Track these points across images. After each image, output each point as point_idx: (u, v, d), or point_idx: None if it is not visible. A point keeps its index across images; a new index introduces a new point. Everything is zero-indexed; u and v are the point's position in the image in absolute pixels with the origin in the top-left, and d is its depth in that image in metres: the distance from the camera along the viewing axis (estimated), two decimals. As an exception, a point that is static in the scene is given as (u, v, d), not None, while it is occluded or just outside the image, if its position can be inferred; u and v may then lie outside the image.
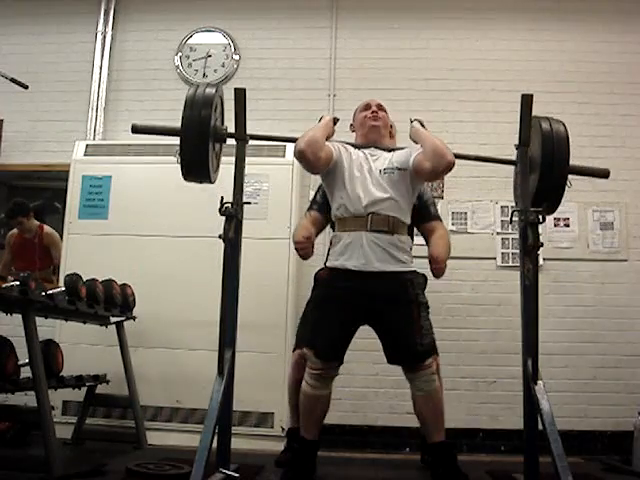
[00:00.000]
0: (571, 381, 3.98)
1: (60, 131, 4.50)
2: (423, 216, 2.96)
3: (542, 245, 2.45)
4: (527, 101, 2.59)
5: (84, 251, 3.95)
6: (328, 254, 2.83)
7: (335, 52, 4.52)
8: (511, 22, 4.53)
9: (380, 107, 2.89)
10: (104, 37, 4.61)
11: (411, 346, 2.53)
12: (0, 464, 2.85)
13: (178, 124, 2.60)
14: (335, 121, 2.82)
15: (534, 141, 2.66)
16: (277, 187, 3.98)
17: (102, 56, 4.58)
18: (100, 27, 4.61)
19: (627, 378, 3.99)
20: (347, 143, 2.80)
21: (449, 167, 2.54)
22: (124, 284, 3.64)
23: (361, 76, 4.48)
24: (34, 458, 2.90)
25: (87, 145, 4.25)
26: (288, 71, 4.52)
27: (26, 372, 2.75)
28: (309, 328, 2.72)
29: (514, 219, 2.72)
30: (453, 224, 4.24)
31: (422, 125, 2.81)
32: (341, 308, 2.57)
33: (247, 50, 4.59)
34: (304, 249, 2.76)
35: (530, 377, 2.46)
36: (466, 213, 4.25)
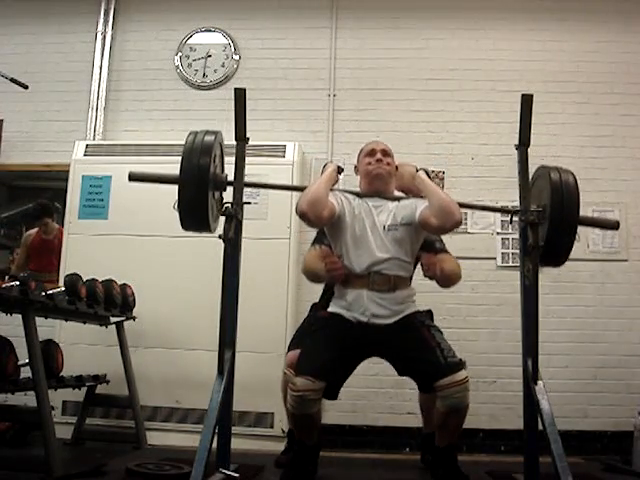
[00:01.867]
0: (571, 381, 3.98)
1: (60, 131, 4.50)
2: (428, 252, 2.83)
3: (542, 245, 2.45)
4: (527, 101, 2.58)
5: (84, 251, 3.95)
6: (324, 295, 2.80)
7: (335, 52, 4.53)
8: (511, 22, 4.53)
9: (385, 153, 2.75)
10: (104, 37, 4.61)
11: (434, 362, 2.47)
12: (0, 464, 2.85)
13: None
14: (340, 170, 2.75)
15: (543, 191, 2.59)
16: (277, 187, 3.98)
17: (102, 56, 4.58)
18: (100, 27, 4.61)
19: (627, 378, 3.99)
20: (350, 192, 2.73)
21: (456, 225, 2.50)
22: (124, 284, 3.64)
23: (361, 76, 4.48)
24: (34, 458, 2.90)
25: (87, 145, 4.25)
26: (288, 71, 4.52)
27: (26, 372, 2.75)
28: (304, 351, 2.60)
29: (514, 219, 2.71)
30: (453, 224, 4.23)
31: (428, 175, 2.74)
32: (340, 340, 2.51)
33: (247, 50, 4.59)
34: (338, 269, 2.58)
35: (530, 377, 2.45)
36: (466, 213, 4.24)
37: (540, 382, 2.42)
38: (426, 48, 4.51)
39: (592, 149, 4.25)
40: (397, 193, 2.76)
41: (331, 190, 2.65)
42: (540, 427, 2.38)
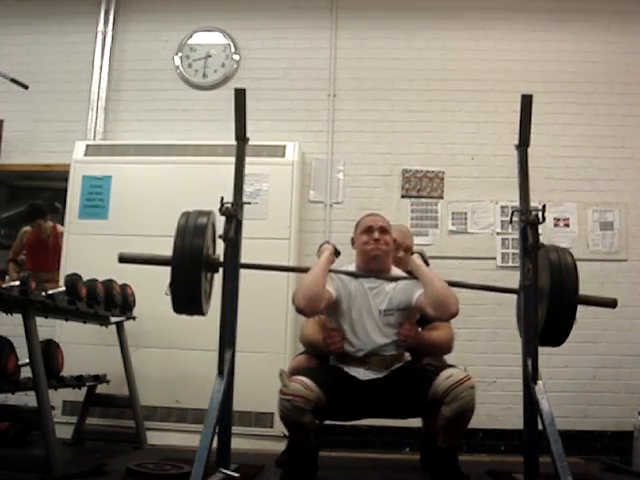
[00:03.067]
0: (571, 381, 3.98)
1: (60, 131, 4.50)
2: (427, 322, 2.82)
3: (542, 246, 2.45)
4: (527, 101, 2.58)
5: (84, 251, 3.95)
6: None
7: (335, 52, 4.52)
8: (511, 22, 4.53)
9: (383, 230, 2.67)
10: (104, 37, 4.61)
11: (425, 374, 2.54)
12: (0, 464, 2.85)
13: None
14: (337, 253, 2.74)
15: (542, 271, 2.56)
16: (277, 187, 3.98)
17: (102, 56, 4.58)
18: (100, 27, 4.61)
19: (627, 378, 3.99)
20: (346, 273, 2.68)
21: (453, 316, 2.51)
22: (124, 284, 3.64)
23: (361, 76, 4.48)
24: (34, 458, 2.90)
25: (87, 145, 4.25)
26: (288, 71, 4.52)
27: (26, 372, 2.75)
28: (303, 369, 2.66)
29: (514, 219, 2.71)
30: (453, 224, 4.24)
31: (423, 258, 2.71)
32: (341, 386, 2.53)
33: (247, 50, 4.59)
34: (337, 343, 2.60)
35: (530, 377, 2.45)
36: (466, 213, 4.25)
37: (540, 382, 2.43)
38: (426, 48, 4.51)
39: (592, 149, 4.25)
40: (394, 270, 2.73)
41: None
42: (540, 427, 2.38)
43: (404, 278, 2.67)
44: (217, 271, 2.57)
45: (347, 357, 2.59)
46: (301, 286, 2.58)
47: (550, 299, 2.52)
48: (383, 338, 2.58)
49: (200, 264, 2.42)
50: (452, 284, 2.62)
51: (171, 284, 2.43)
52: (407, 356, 2.71)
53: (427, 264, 2.70)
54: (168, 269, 2.44)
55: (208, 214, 2.52)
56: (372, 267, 2.66)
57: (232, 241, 2.46)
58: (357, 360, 2.58)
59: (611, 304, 2.82)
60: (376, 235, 2.65)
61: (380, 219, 2.73)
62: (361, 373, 2.57)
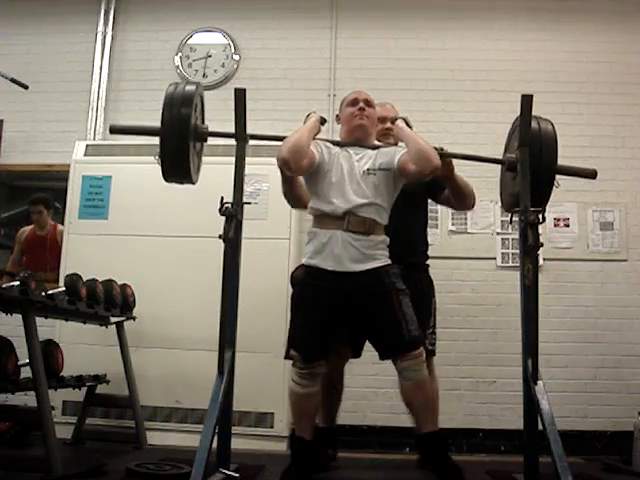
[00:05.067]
0: (571, 381, 3.98)
1: (60, 131, 4.50)
2: (436, 188, 2.93)
3: (542, 245, 2.44)
4: (527, 101, 2.58)
5: (84, 251, 3.95)
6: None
7: (335, 52, 4.53)
8: (511, 22, 4.53)
9: (368, 103, 2.76)
10: (104, 37, 4.61)
11: (398, 334, 2.51)
12: (0, 464, 2.85)
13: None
14: (322, 122, 2.77)
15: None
16: (277, 187, 3.92)
17: (102, 56, 4.58)
18: (100, 27, 4.62)
19: (627, 378, 3.99)
20: (331, 142, 2.75)
21: (434, 171, 2.51)
22: (124, 284, 3.64)
23: (361, 76, 4.47)
24: (34, 458, 2.90)
25: (87, 145, 4.25)
26: (288, 71, 4.52)
27: (26, 372, 2.75)
28: (295, 331, 2.70)
29: (514, 219, 2.71)
30: (453, 224, 4.24)
31: (407, 124, 2.76)
32: (319, 308, 2.55)
33: (247, 50, 4.60)
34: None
35: (530, 377, 2.45)
36: (466, 213, 4.24)
37: (540, 382, 2.42)
38: (426, 48, 4.52)
39: (592, 149, 4.25)
40: (377, 143, 2.79)
41: (312, 139, 2.66)
42: (540, 427, 2.38)
43: (387, 146, 2.73)
44: (206, 140, 2.71)
45: (326, 217, 2.60)
46: (285, 142, 2.57)
47: (530, 167, 2.55)
48: (363, 198, 2.58)
49: (188, 133, 2.51)
50: (442, 155, 2.62)
51: (160, 153, 2.51)
52: (387, 242, 2.63)
53: (410, 128, 2.75)
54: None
55: (196, 84, 2.61)
56: (357, 136, 2.72)
57: (232, 241, 2.46)
58: (335, 222, 2.56)
59: (590, 174, 2.84)
60: (361, 104, 2.73)
61: (365, 93, 2.80)
62: (340, 259, 2.53)
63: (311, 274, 2.60)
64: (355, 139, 2.72)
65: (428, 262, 3.04)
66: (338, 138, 2.83)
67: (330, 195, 2.60)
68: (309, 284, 2.61)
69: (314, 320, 2.56)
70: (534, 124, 2.61)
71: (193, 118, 2.54)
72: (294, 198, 2.89)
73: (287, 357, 2.81)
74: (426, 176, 2.55)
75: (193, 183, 2.65)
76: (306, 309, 2.60)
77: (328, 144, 2.72)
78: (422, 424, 2.59)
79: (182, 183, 2.65)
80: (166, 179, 2.61)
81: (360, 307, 2.55)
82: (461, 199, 2.92)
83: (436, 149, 2.64)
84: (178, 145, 2.49)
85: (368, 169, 2.62)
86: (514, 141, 2.70)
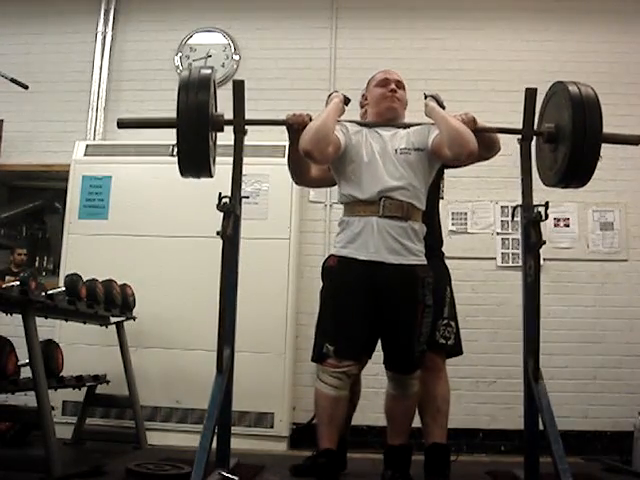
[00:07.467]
0: (571, 381, 3.98)
1: (60, 131, 4.50)
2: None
3: (544, 243, 2.40)
4: (531, 94, 2.55)
5: (84, 251, 3.95)
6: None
7: (335, 52, 4.53)
8: (511, 22, 4.53)
9: (399, 84, 2.58)
10: (104, 37, 4.61)
11: (407, 353, 2.42)
12: (0, 464, 2.84)
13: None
14: (346, 101, 2.58)
15: (562, 109, 2.43)
16: (277, 187, 3.98)
17: (102, 56, 4.58)
18: (100, 27, 4.61)
19: (627, 378, 3.99)
20: (358, 123, 2.57)
21: (472, 155, 2.34)
22: (124, 284, 3.64)
23: (361, 76, 4.42)
24: (34, 458, 2.89)
25: (87, 145, 4.25)
26: (288, 71, 4.52)
27: (26, 372, 2.74)
28: (329, 324, 2.48)
29: (516, 217, 2.68)
30: (453, 224, 4.24)
31: (438, 102, 2.54)
32: (353, 300, 2.39)
33: (247, 50, 4.59)
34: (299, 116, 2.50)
35: (531, 376, 2.44)
36: (466, 213, 4.24)
37: (541, 382, 2.42)
38: (426, 48, 4.51)
39: (592, 149, 4.24)
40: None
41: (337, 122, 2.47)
42: (540, 427, 2.38)
43: (418, 124, 2.53)
44: (222, 130, 2.51)
45: (358, 204, 2.41)
46: (308, 129, 2.38)
47: (573, 138, 2.34)
48: (399, 180, 2.39)
49: (208, 121, 2.31)
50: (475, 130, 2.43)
51: (178, 144, 2.30)
52: (425, 231, 2.46)
53: (442, 107, 2.55)
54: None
55: (211, 68, 2.44)
56: (387, 118, 2.55)
57: (230, 238, 2.40)
58: (370, 207, 2.38)
59: (635, 141, 2.70)
60: (393, 86, 2.56)
61: (396, 73, 2.63)
62: (377, 248, 2.35)
63: (344, 265, 2.42)
64: (384, 121, 2.55)
65: (443, 249, 2.86)
66: (356, 117, 2.71)
67: (362, 179, 2.42)
68: (343, 277, 2.42)
69: (349, 312, 2.38)
70: (574, 89, 2.40)
71: (211, 105, 2.36)
72: (300, 171, 2.71)
73: (315, 359, 2.60)
74: (463, 161, 2.41)
75: (211, 176, 2.46)
76: (340, 300, 2.41)
77: (354, 125, 2.55)
78: (393, 436, 2.52)
79: (199, 177, 2.46)
80: (182, 173, 2.42)
81: (385, 301, 2.39)
82: (491, 146, 2.69)
83: (435, 98, 2.52)
84: (198, 135, 2.28)
85: (402, 148, 2.44)
86: (551, 109, 2.52)
